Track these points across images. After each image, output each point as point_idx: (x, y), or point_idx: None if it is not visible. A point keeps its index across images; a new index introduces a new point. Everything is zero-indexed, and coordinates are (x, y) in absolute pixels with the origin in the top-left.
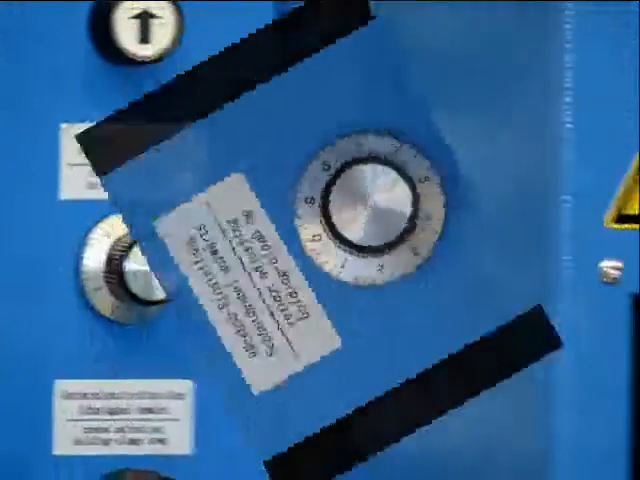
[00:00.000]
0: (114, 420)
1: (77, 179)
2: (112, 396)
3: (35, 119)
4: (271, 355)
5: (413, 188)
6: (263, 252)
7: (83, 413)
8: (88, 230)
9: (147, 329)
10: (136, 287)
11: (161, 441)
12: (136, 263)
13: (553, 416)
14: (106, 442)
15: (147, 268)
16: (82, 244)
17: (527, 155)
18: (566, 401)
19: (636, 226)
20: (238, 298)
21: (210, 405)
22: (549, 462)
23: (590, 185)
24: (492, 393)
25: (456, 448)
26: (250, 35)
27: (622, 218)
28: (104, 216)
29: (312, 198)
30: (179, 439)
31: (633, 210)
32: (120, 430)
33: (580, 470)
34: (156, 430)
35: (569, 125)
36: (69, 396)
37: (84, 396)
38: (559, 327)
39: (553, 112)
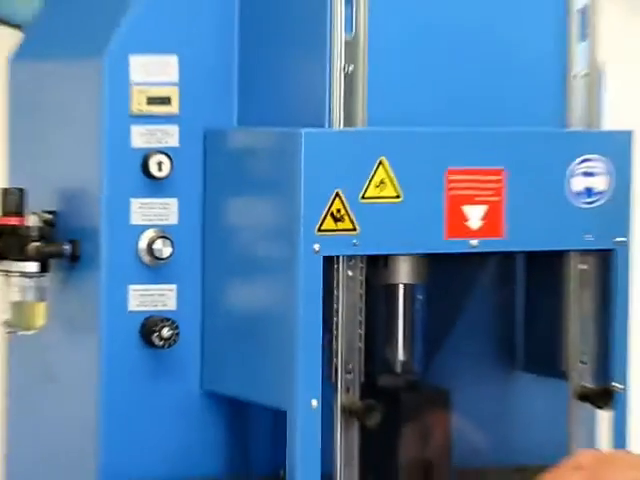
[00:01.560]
0: (142, 297)
1: None
2: (146, 291)
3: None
4: None
5: None
6: None
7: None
8: None
9: None
10: None
11: (165, 304)
12: None
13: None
14: (144, 304)
15: None
16: None
17: None
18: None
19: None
20: None
21: (188, 290)
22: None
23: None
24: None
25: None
26: None
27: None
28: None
29: None
30: (172, 303)
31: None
32: (146, 298)
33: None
34: (162, 297)
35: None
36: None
37: (135, 291)
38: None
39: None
